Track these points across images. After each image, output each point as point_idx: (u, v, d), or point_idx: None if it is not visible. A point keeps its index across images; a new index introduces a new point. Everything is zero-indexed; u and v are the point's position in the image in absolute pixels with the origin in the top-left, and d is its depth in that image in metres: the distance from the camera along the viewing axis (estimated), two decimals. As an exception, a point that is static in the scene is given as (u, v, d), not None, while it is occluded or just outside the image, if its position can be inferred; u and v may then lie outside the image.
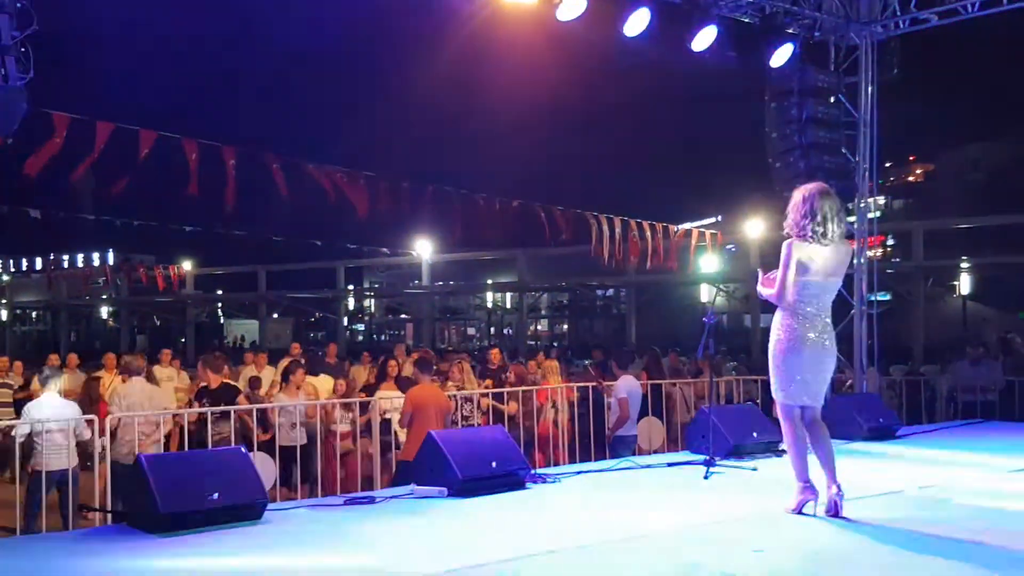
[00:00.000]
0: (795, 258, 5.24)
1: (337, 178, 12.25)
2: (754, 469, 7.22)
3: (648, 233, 16.95)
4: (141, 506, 5.18)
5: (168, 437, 9.11)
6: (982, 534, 4.95)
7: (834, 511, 5.25)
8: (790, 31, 9.98)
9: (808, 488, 5.36)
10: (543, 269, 45.31)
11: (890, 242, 53.75)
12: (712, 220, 45.88)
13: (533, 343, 48.66)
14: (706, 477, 6.89)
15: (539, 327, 54.97)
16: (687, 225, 22.27)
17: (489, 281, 48.19)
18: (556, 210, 17.23)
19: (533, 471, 6.86)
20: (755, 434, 8.00)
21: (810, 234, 5.24)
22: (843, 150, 10.67)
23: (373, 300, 61.42)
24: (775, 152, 10.26)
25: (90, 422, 7.71)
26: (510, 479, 6.47)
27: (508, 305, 50.73)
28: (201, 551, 4.79)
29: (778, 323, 5.38)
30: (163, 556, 4.69)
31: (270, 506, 5.59)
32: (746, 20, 9.99)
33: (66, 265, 66.00)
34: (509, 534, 5.25)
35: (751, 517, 5.55)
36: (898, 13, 10.40)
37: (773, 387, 5.44)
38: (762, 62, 9.87)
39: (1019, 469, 7.17)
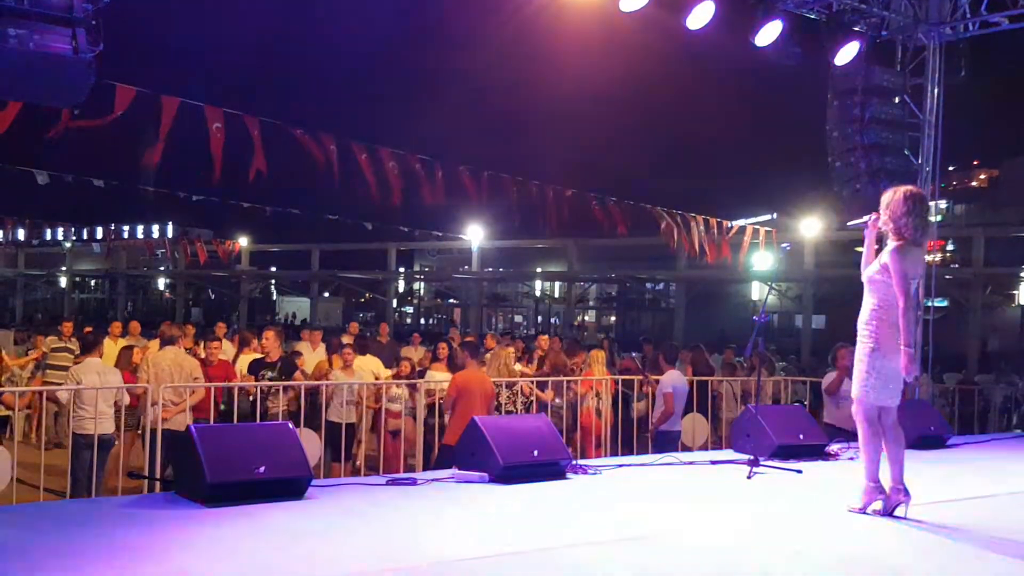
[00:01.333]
0: (905, 262, 5.28)
1: (388, 163, 12.40)
2: (799, 471, 7.14)
3: (701, 228, 16.90)
4: (189, 475, 5.29)
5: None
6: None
7: (891, 511, 5.38)
8: (857, 29, 9.80)
9: (877, 488, 5.46)
10: (593, 260, 45.22)
11: (950, 247, 52.70)
12: (766, 217, 45.41)
13: (580, 334, 48.66)
14: (749, 477, 6.83)
15: (586, 318, 54.82)
16: (741, 222, 22.07)
17: (538, 269, 48.22)
18: (610, 201, 17.24)
19: (574, 462, 6.87)
20: (801, 436, 7.92)
21: (913, 237, 5.32)
22: (906, 152, 10.48)
23: (422, 284, 61.78)
24: (836, 151, 10.11)
25: (142, 392, 7.88)
26: (551, 468, 6.48)
27: (556, 294, 50.72)
28: (246, 523, 4.88)
29: (873, 324, 5.39)
30: (209, 526, 4.79)
31: (314, 482, 5.67)
32: (812, 16, 9.83)
33: (126, 236, 67.25)
34: (549, 523, 5.27)
35: (793, 518, 5.51)
36: (968, 15, 10.18)
37: (858, 386, 5.45)
38: (827, 59, 9.71)
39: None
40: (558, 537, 4.88)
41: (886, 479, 5.46)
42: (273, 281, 66.27)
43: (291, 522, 4.96)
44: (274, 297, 69.41)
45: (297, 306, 63.98)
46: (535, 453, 6.41)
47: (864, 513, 5.46)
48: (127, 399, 8.28)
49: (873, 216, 5.67)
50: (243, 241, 56.74)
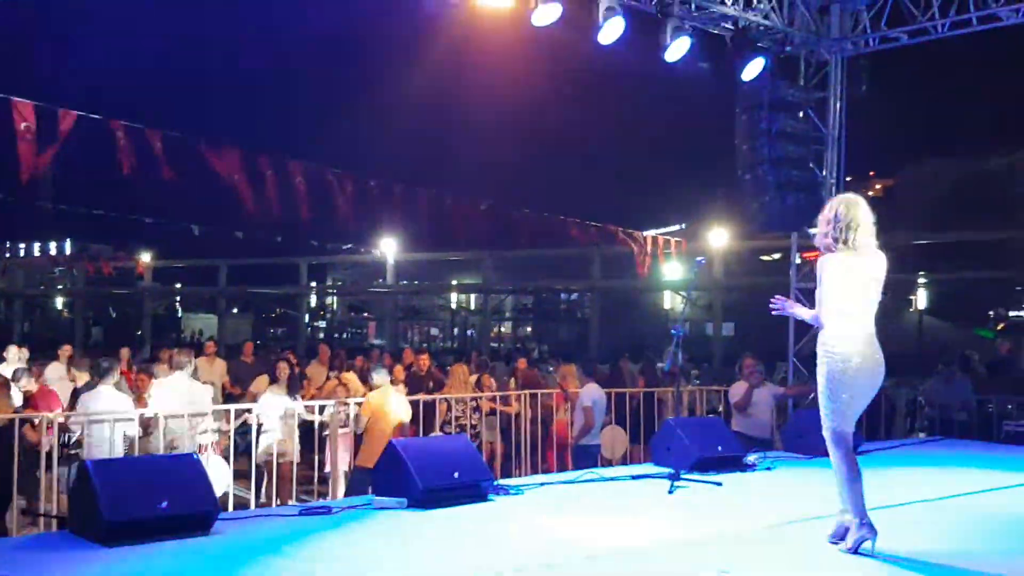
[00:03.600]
0: (828, 273, 4.99)
1: (295, 177, 12.16)
2: (719, 484, 7.16)
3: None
4: (86, 513, 4.99)
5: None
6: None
7: (857, 547, 4.93)
8: (762, 45, 9.97)
9: (866, 525, 4.91)
10: (508, 271, 45.25)
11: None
12: (676, 228, 46.19)
13: (496, 345, 48.59)
14: (671, 491, 6.82)
15: (503, 329, 54.85)
16: (652, 232, 22.37)
17: (454, 282, 48.05)
18: (524, 213, 17.28)
19: (495, 482, 6.75)
20: (720, 448, 7.95)
21: (842, 245, 4.99)
22: (811, 164, 10.70)
23: (335, 298, 60.99)
24: (744, 164, 10.26)
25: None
26: (472, 490, 6.34)
27: (472, 306, 50.61)
28: (145, 564, 4.62)
29: (826, 346, 5.04)
30: (99, 567, 4.51)
31: (222, 515, 5.43)
32: (719, 33, 9.98)
33: (22, 254, 64.72)
34: (470, 549, 5.14)
35: (718, 535, 5.49)
36: (868, 31, 10.46)
37: (826, 413, 5.03)
38: (734, 75, 9.85)
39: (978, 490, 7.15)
40: (479, 565, 4.76)
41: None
42: (178, 298, 64.57)
43: (194, 562, 4.71)
44: (180, 314, 67.62)
45: (204, 323, 62.48)
46: (455, 475, 6.27)
47: (858, 553, 4.90)
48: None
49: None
50: (146, 257, 55.17)
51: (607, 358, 23.45)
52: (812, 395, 11.26)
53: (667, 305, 46.04)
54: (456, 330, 51.71)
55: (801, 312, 5.30)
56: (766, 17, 10.11)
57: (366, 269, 54.35)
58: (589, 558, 4.92)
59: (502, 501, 6.39)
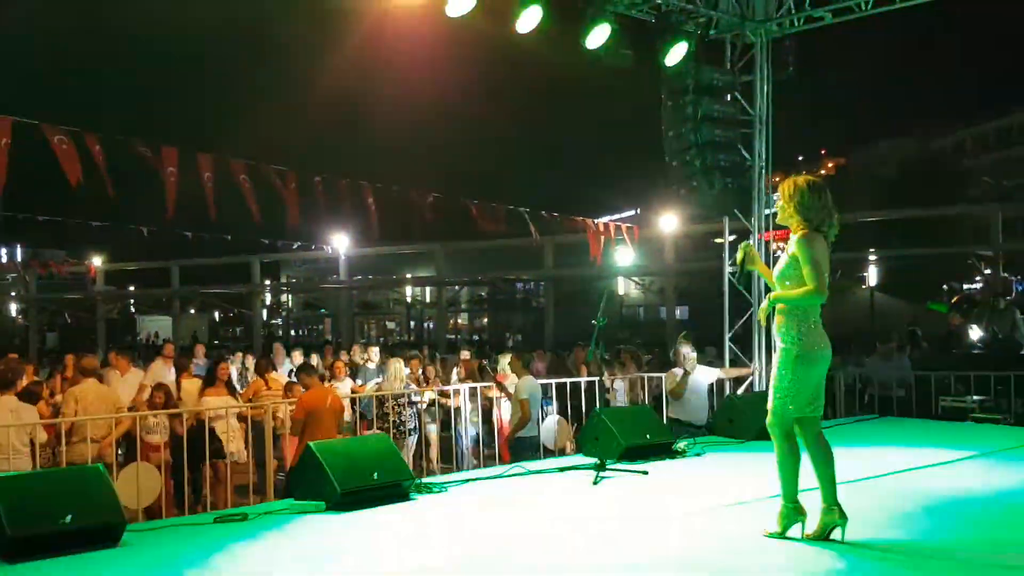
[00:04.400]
0: (817, 249, 4.84)
1: (239, 176, 12.02)
2: (645, 473, 7.17)
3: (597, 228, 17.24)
4: (-13, 531, 4.87)
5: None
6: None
7: (827, 534, 4.90)
8: (686, 28, 9.96)
9: (796, 510, 4.95)
10: (462, 263, 45.12)
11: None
12: (630, 213, 46.33)
13: (453, 337, 48.50)
14: (595, 482, 6.82)
15: (459, 320, 54.74)
16: (606, 218, 22.39)
17: (408, 275, 47.83)
18: (473, 204, 17.23)
19: (418, 481, 6.70)
20: (648, 436, 7.97)
21: (819, 225, 4.90)
22: (739, 147, 10.72)
23: (290, 295, 60.47)
24: (672, 151, 10.25)
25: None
26: (394, 490, 6.29)
27: (428, 299, 50.42)
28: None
29: (791, 327, 4.91)
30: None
31: (133, 527, 5.32)
32: (641, 17, 9.95)
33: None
34: (387, 550, 5.09)
35: (637, 524, 5.47)
36: (792, 11, 10.49)
37: (780, 399, 4.95)
38: (658, 60, 9.84)
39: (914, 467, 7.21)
40: (394, 566, 4.71)
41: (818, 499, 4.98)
42: (132, 300, 63.65)
43: (97, 573, 4.61)
44: (135, 316, 66.63)
45: (159, 324, 61.62)
46: (375, 476, 6.20)
47: (785, 538, 4.93)
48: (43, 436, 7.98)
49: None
50: (97, 261, 54.32)
51: (563, 346, 23.49)
52: (749, 379, 11.41)
53: (621, 291, 46.19)
54: (412, 323, 51.50)
55: (792, 293, 4.94)
56: (689, 1, 10.10)
57: (319, 266, 53.99)
58: (498, 556, 4.89)
59: (424, 500, 6.35)
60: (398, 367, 10.38)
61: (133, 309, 65.70)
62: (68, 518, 4.92)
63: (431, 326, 49.78)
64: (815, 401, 4.96)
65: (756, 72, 10.70)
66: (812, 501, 4.99)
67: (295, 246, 42.28)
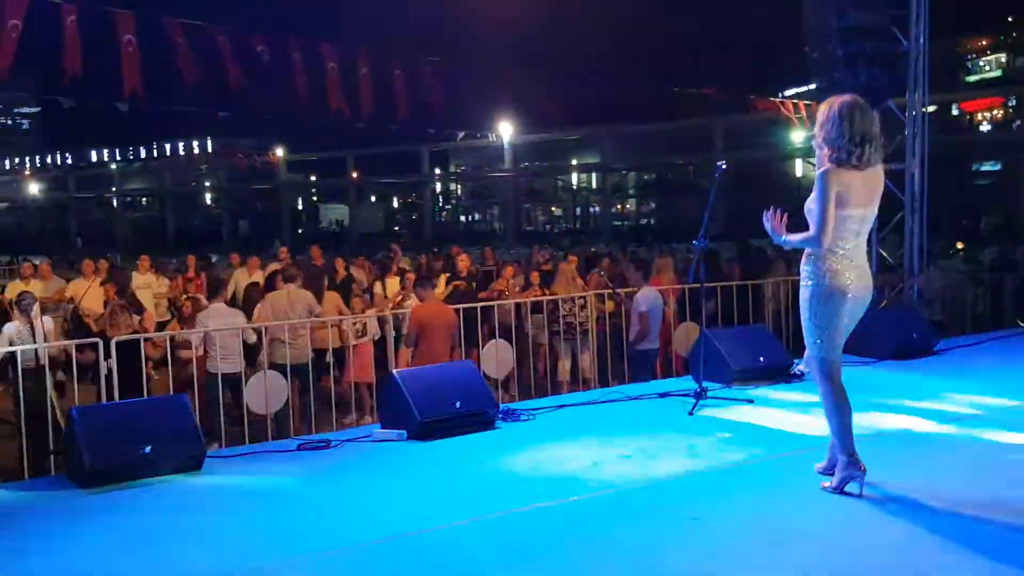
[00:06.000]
0: (833, 189, 4.49)
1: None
2: (751, 401, 6.78)
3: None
4: (73, 460, 5.15)
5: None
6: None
7: (842, 487, 4.58)
8: None
9: (854, 463, 4.55)
10: (627, 148, 44.11)
11: (1012, 102, 50.30)
12: (809, 88, 43.57)
13: (619, 223, 47.91)
14: (691, 413, 6.49)
15: (627, 207, 53.90)
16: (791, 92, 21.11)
17: (573, 162, 47.34)
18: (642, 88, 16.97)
19: (506, 407, 6.60)
20: (762, 358, 7.52)
21: (847, 157, 4.50)
22: (894, 31, 9.65)
23: (459, 184, 61.27)
24: (812, 39, 9.34)
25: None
26: (477, 418, 6.22)
27: (593, 186, 49.88)
28: (125, 510, 4.73)
29: (812, 266, 4.63)
30: (81, 517, 4.64)
31: (213, 453, 5.50)
32: None
33: (168, 153, 67.59)
34: (461, 484, 5.04)
35: (704, 474, 5.14)
36: None
37: (810, 340, 4.65)
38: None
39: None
40: (468, 499, 4.70)
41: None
42: (313, 189, 66.36)
43: (177, 506, 4.79)
44: (316, 205, 69.51)
45: (340, 213, 64.14)
46: (456, 404, 6.13)
47: (842, 493, 4.57)
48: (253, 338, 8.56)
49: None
50: (279, 151, 56.67)
51: (734, 234, 22.56)
52: (899, 287, 10.53)
53: (799, 173, 44.08)
54: (579, 210, 51.26)
55: (793, 237, 4.71)
56: None
57: (487, 153, 54.34)
58: (567, 502, 4.69)
59: (508, 429, 6.24)
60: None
61: (315, 198, 68.58)
62: (147, 448, 5.10)
63: (596, 211, 49.31)
64: (841, 343, 4.64)
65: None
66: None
67: (460, 136, 42.55)
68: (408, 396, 5.99)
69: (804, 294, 4.68)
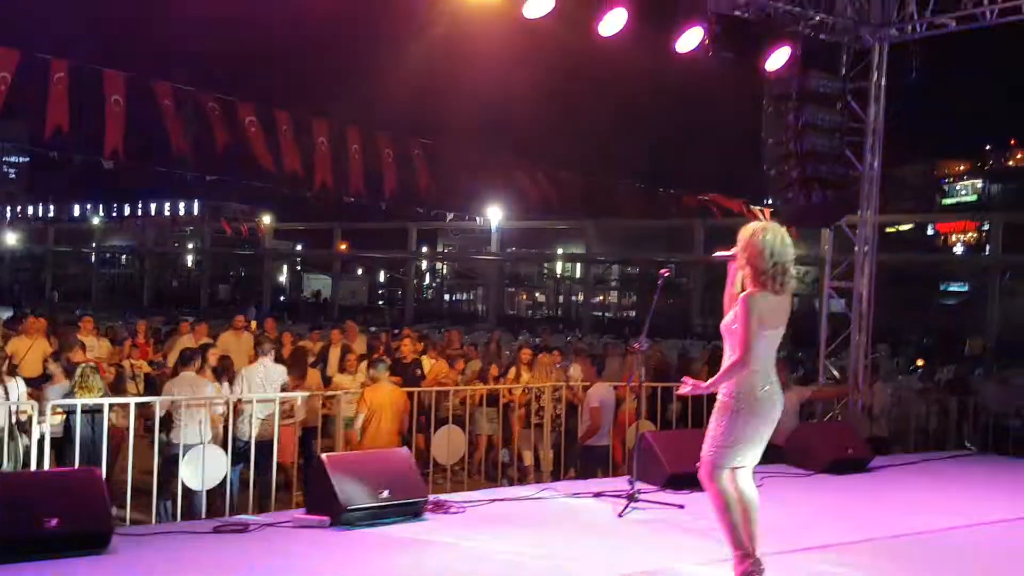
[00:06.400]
0: (756, 313, 4.73)
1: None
2: (681, 506, 6.81)
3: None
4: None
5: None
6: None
7: None
8: (792, 31, 9.31)
9: (747, 557, 4.79)
10: (612, 241, 44.69)
11: (986, 227, 51.27)
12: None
13: (600, 314, 48.21)
14: (621, 515, 6.52)
15: (609, 298, 54.30)
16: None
17: (559, 251, 47.85)
18: (625, 184, 17.40)
19: (438, 498, 6.61)
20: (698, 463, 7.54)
21: (769, 284, 4.76)
22: (848, 155, 10.01)
23: (445, 264, 61.69)
24: (770, 159, 9.65)
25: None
26: (405, 508, 6.21)
27: (577, 275, 50.33)
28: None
29: (751, 382, 4.81)
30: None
31: (123, 530, 5.46)
32: (745, 17, 9.36)
33: (152, 212, 67.87)
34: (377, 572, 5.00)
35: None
36: (915, 17, 9.64)
37: (710, 446, 4.90)
38: (760, 64, 9.25)
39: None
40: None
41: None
42: (297, 259, 66.53)
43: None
44: (300, 274, 69.63)
45: (323, 283, 64.27)
46: (384, 493, 6.13)
47: None
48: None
49: (734, 251, 5.18)
50: (267, 219, 57.02)
51: (711, 334, 22.84)
52: (844, 400, 10.66)
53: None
54: (561, 298, 51.60)
55: (718, 377, 4.87)
56: (799, 4, 9.45)
57: (476, 236, 54.80)
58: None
59: (435, 520, 6.24)
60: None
61: (299, 267, 68.76)
62: (54, 521, 5.03)
63: (578, 300, 49.66)
64: (745, 452, 4.88)
65: (872, 78, 9.92)
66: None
67: (449, 217, 43.03)
68: (333, 482, 6.00)
69: (718, 404, 4.90)
